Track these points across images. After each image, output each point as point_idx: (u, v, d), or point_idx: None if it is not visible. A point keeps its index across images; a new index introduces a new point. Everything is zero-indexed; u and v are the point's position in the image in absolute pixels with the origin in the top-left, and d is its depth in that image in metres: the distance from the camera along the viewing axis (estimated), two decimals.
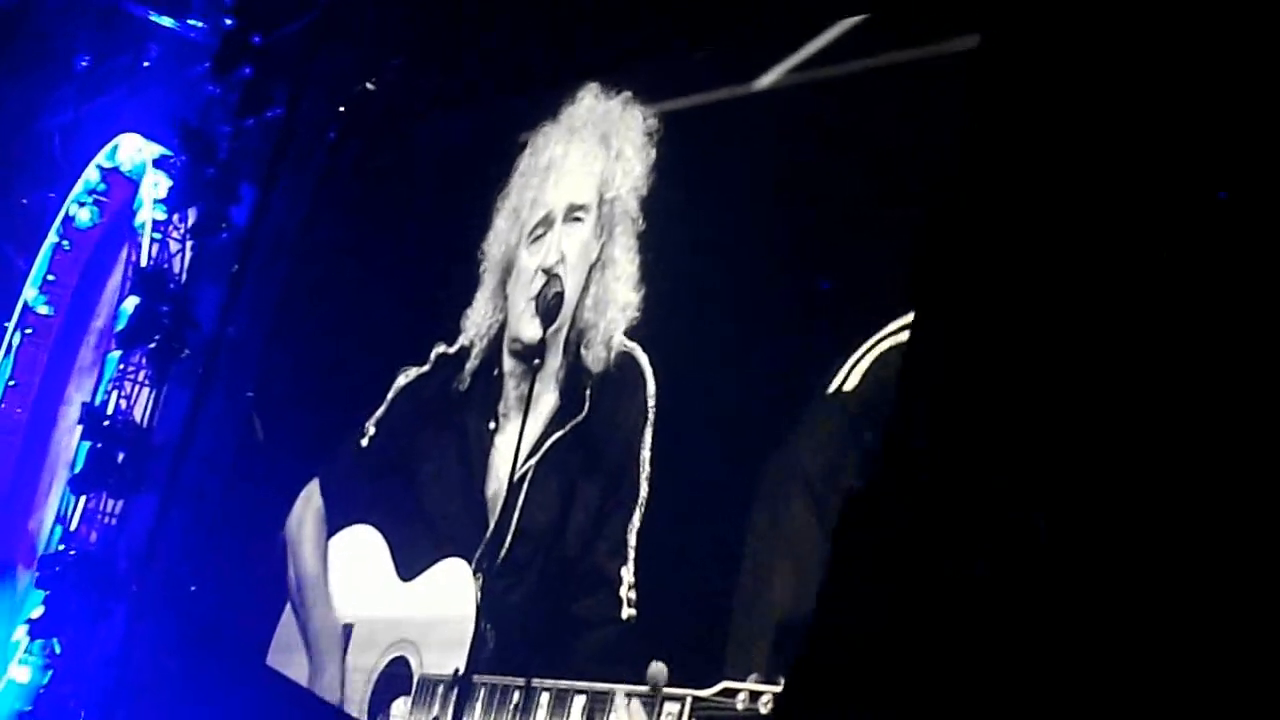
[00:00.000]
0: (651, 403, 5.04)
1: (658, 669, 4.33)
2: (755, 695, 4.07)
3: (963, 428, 2.79)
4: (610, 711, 4.54)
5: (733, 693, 4.14)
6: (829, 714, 2.89)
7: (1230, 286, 2.59)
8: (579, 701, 4.67)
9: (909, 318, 3.95)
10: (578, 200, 5.78)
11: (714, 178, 5.28)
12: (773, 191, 4.96)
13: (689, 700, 4.28)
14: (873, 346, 4.37)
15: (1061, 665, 2.55)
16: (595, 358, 5.35)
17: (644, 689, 4.38)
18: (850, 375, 4.40)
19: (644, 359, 5.18)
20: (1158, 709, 2.48)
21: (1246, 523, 2.47)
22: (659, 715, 4.32)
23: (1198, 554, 2.49)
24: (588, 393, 5.35)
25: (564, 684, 4.76)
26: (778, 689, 4.02)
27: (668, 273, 5.31)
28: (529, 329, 5.73)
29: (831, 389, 4.45)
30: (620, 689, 4.49)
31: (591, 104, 5.92)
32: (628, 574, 4.79)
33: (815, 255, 4.73)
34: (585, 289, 5.54)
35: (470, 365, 6.10)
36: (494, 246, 6.24)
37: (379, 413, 6.51)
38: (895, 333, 4.27)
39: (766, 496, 4.50)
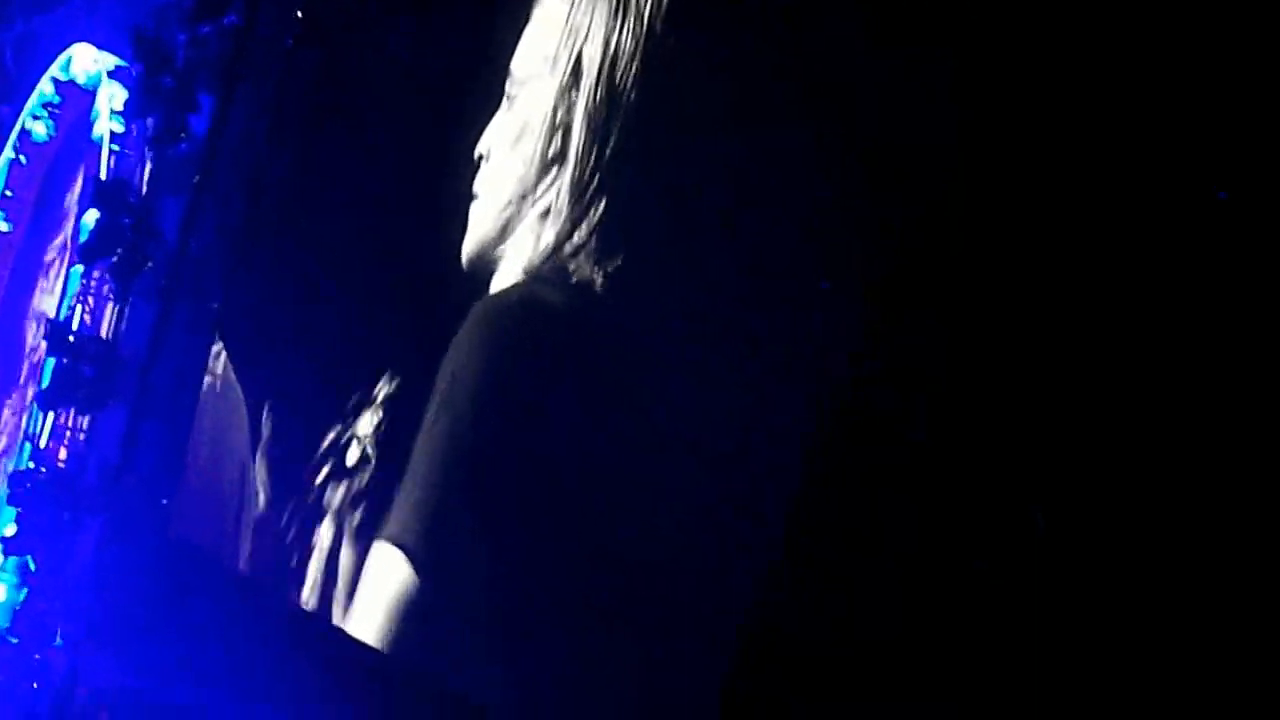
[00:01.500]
0: None
1: None
2: None
3: (961, 422, 2.84)
4: None
5: None
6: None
7: (1230, 286, 2.61)
8: None
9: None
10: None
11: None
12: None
13: None
14: None
15: (1059, 661, 2.60)
16: None
17: None
18: None
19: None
20: (1157, 706, 2.53)
21: (1246, 521, 2.50)
22: None
23: (1197, 552, 2.53)
24: None
25: None
26: None
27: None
28: None
29: None
30: None
31: None
32: None
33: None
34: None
35: None
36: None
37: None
38: None
39: None
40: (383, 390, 6.01)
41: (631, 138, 5.12)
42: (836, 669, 3.06)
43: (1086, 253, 2.76)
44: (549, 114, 5.20)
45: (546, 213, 5.08)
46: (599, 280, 4.75)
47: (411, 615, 4.92)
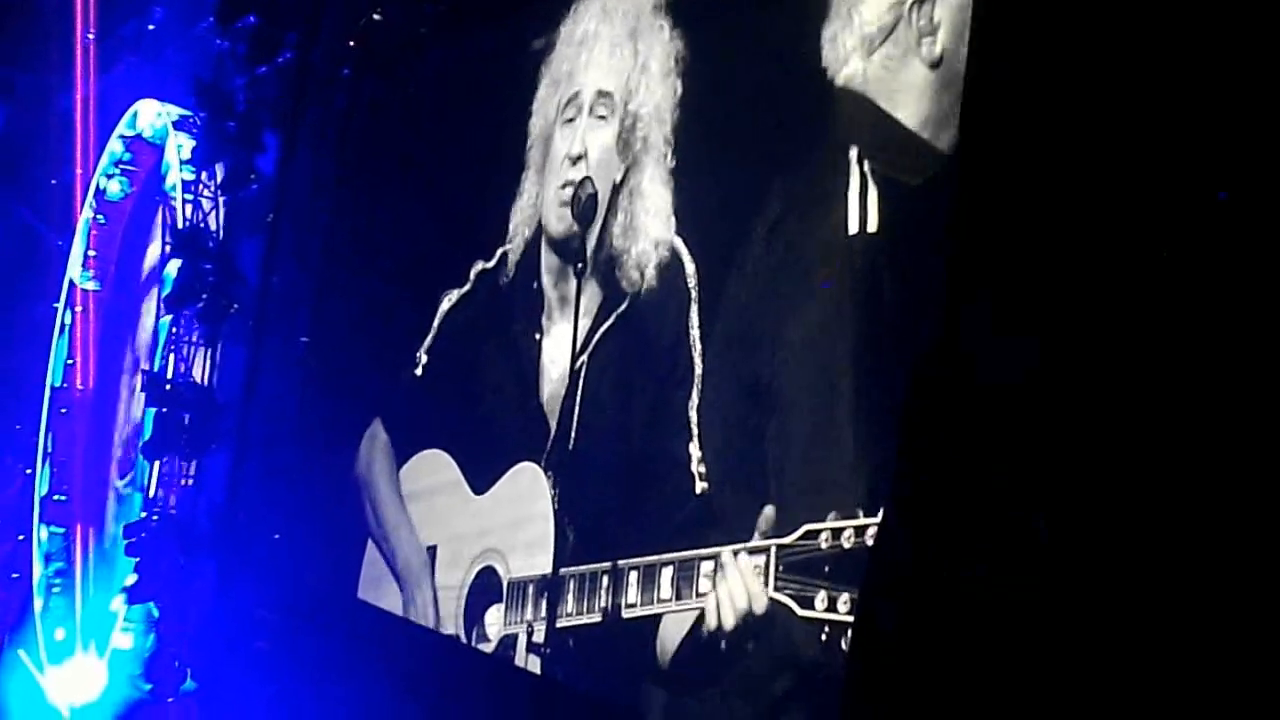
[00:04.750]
0: (693, 282, 5.18)
1: (769, 515, 4.54)
2: (836, 533, 4.27)
3: (965, 428, 2.81)
4: (698, 578, 4.75)
5: (815, 534, 4.34)
6: None
7: (1230, 286, 2.59)
8: (667, 573, 4.87)
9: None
10: (605, 87, 5.84)
11: (741, 48, 5.33)
12: (783, 66, 5.02)
13: (773, 549, 4.48)
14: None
15: (1063, 667, 2.59)
16: (635, 259, 5.48)
17: (749, 545, 4.58)
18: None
19: (680, 242, 5.30)
20: (1158, 711, 2.52)
21: (1247, 523, 2.48)
22: (760, 568, 4.51)
23: (1198, 555, 2.51)
24: (627, 284, 5.50)
25: (650, 559, 4.96)
26: (858, 522, 4.21)
27: (700, 165, 5.40)
28: (559, 222, 5.87)
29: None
30: (727, 549, 4.67)
31: None
32: (695, 450, 4.97)
33: None
34: (612, 210, 5.63)
35: (512, 261, 6.24)
36: (538, 118, 6.29)
37: (429, 340, 6.69)
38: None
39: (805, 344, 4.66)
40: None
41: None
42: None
43: (1086, 254, 2.76)
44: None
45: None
46: None
47: None
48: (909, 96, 4.54)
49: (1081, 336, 2.72)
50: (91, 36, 9.82)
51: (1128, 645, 2.55)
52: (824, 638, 4.29)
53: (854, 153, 4.67)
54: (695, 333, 5.08)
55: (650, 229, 5.43)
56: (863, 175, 4.60)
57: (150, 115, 9.30)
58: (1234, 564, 2.49)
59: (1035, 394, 2.74)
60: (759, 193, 5.03)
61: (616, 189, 5.64)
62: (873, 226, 4.57)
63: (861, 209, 4.59)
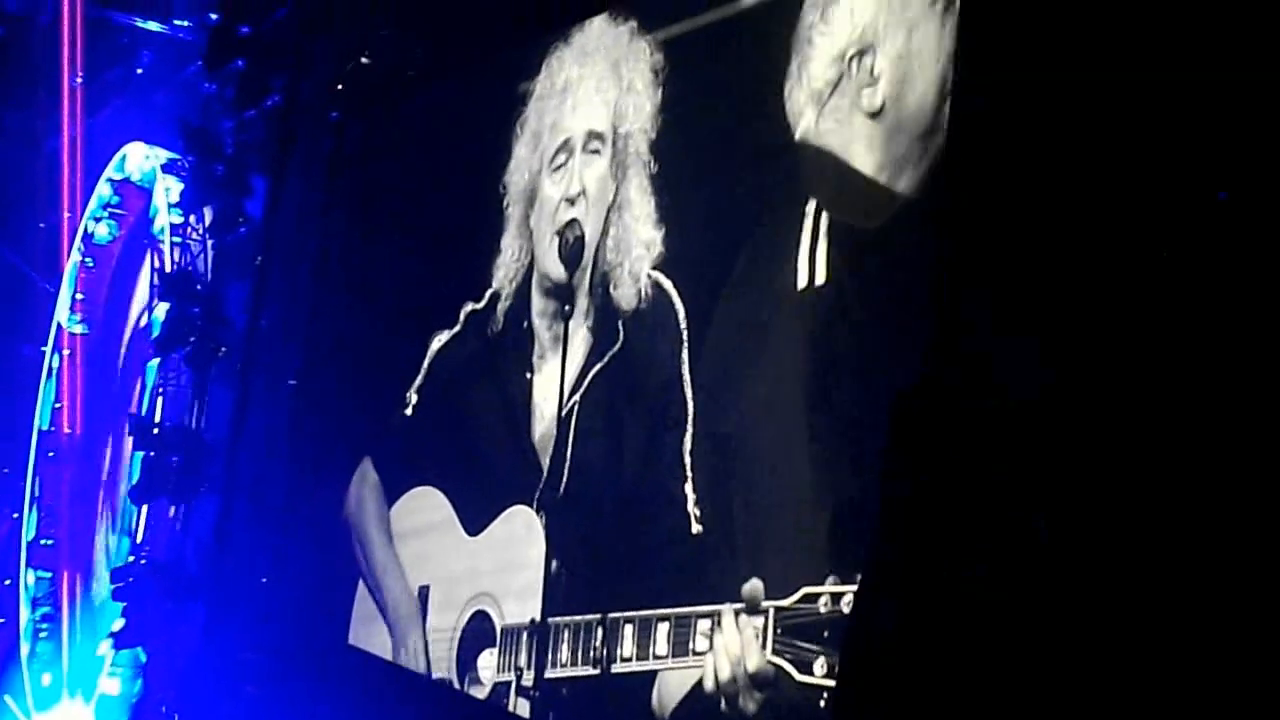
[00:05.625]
0: (684, 325, 5.22)
1: (755, 586, 4.54)
2: (836, 597, 4.26)
3: (962, 428, 2.81)
4: (694, 635, 4.75)
5: (813, 598, 4.32)
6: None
7: (1230, 287, 2.61)
8: (663, 628, 4.87)
9: None
10: (596, 128, 5.91)
11: (711, 104, 5.43)
12: (763, 107, 5.11)
13: (772, 612, 4.48)
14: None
15: (1060, 669, 2.59)
16: (624, 295, 5.52)
17: (742, 605, 4.59)
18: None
19: (669, 284, 5.35)
20: (1158, 712, 2.53)
21: (1248, 523, 2.49)
22: (759, 630, 4.52)
23: (1199, 556, 2.52)
24: (619, 324, 5.54)
25: (645, 613, 4.97)
26: (856, 586, 4.19)
27: (683, 207, 5.47)
28: (555, 267, 5.90)
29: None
30: (728, 608, 4.68)
31: (602, 28, 6.04)
32: (690, 491, 4.98)
33: None
34: (605, 231, 5.70)
35: (502, 308, 6.28)
36: (516, 175, 6.36)
37: (418, 380, 6.72)
38: None
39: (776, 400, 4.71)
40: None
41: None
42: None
43: (1086, 255, 2.77)
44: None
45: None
46: None
47: None
48: (860, 146, 4.64)
49: (1081, 337, 2.73)
50: (80, 80, 9.86)
51: (1127, 649, 2.55)
52: (823, 704, 4.28)
53: (811, 205, 4.75)
54: (687, 373, 5.12)
55: (640, 233, 5.49)
56: (815, 228, 4.68)
57: (139, 158, 9.34)
58: (1234, 564, 2.49)
59: (1036, 402, 2.74)
60: (738, 224, 5.12)
61: (609, 209, 5.71)
62: (820, 279, 4.63)
63: (810, 263, 4.66)
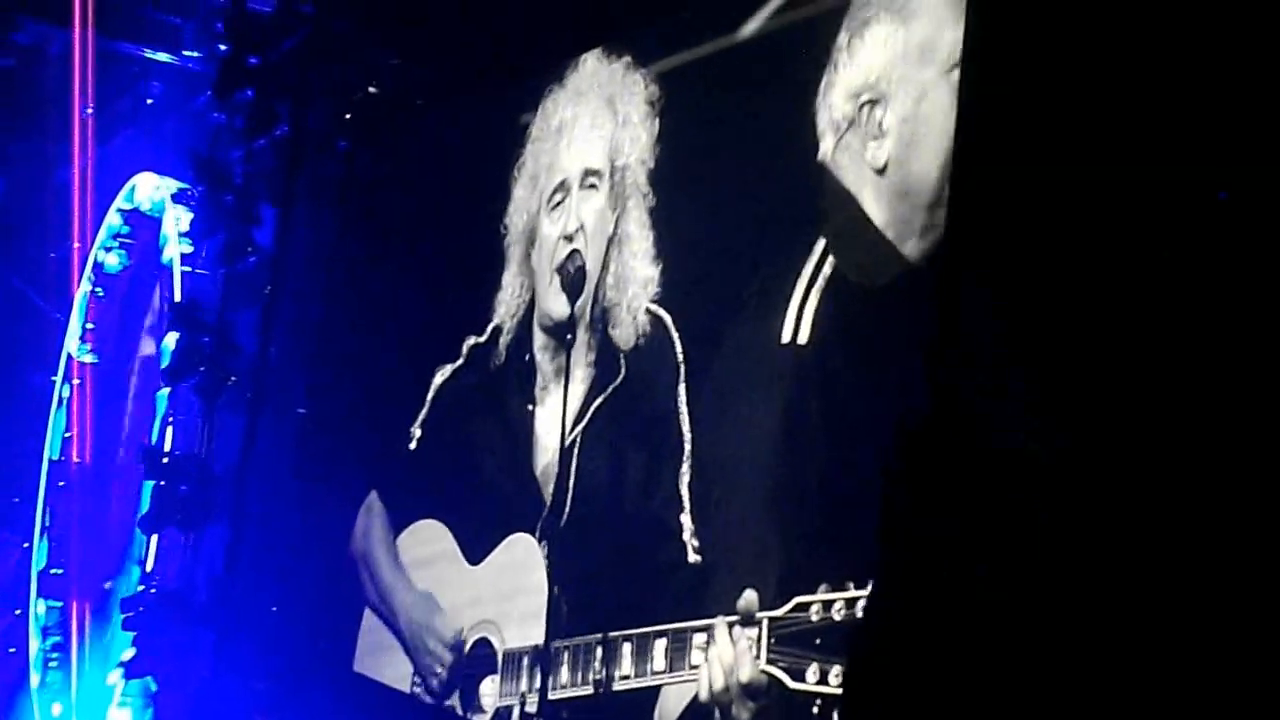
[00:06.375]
0: (681, 359, 5.35)
1: (749, 598, 4.68)
2: (828, 604, 4.41)
3: (961, 430, 2.82)
4: (690, 649, 4.88)
5: (805, 606, 4.47)
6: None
7: (1230, 287, 2.60)
8: (660, 644, 5.00)
9: None
10: (592, 165, 6.05)
11: (711, 137, 5.55)
12: (765, 141, 5.23)
13: (765, 622, 4.62)
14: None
15: (1058, 667, 2.59)
16: (623, 335, 5.66)
17: (736, 618, 4.73)
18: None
19: (668, 318, 5.49)
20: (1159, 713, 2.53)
21: (1248, 524, 2.49)
22: (753, 641, 4.65)
23: (1199, 557, 2.53)
24: (621, 359, 5.67)
25: (643, 630, 5.10)
26: (847, 594, 4.33)
27: (681, 242, 5.60)
28: (557, 304, 6.03)
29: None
30: (721, 621, 4.82)
31: (595, 67, 6.19)
32: (687, 521, 5.12)
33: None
34: (605, 266, 5.83)
35: (504, 342, 6.42)
36: (515, 217, 6.54)
37: (422, 414, 6.85)
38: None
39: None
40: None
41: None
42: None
43: (1086, 256, 2.79)
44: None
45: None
46: None
47: None
48: (869, 194, 4.70)
49: (1080, 337, 2.74)
50: (90, 111, 10.00)
51: (1126, 650, 2.55)
52: (816, 710, 4.42)
53: (820, 246, 4.85)
54: (684, 406, 5.26)
55: (639, 271, 5.61)
56: (814, 276, 4.77)
57: (149, 189, 9.45)
58: (1235, 565, 2.50)
59: (1033, 408, 2.75)
60: (737, 262, 5.24)
61: (609, 243, 5.83)
62: (805, 337, 4.79)
63: (798, 318, 4.76)
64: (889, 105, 4.65)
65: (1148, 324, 2.71)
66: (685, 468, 5.18)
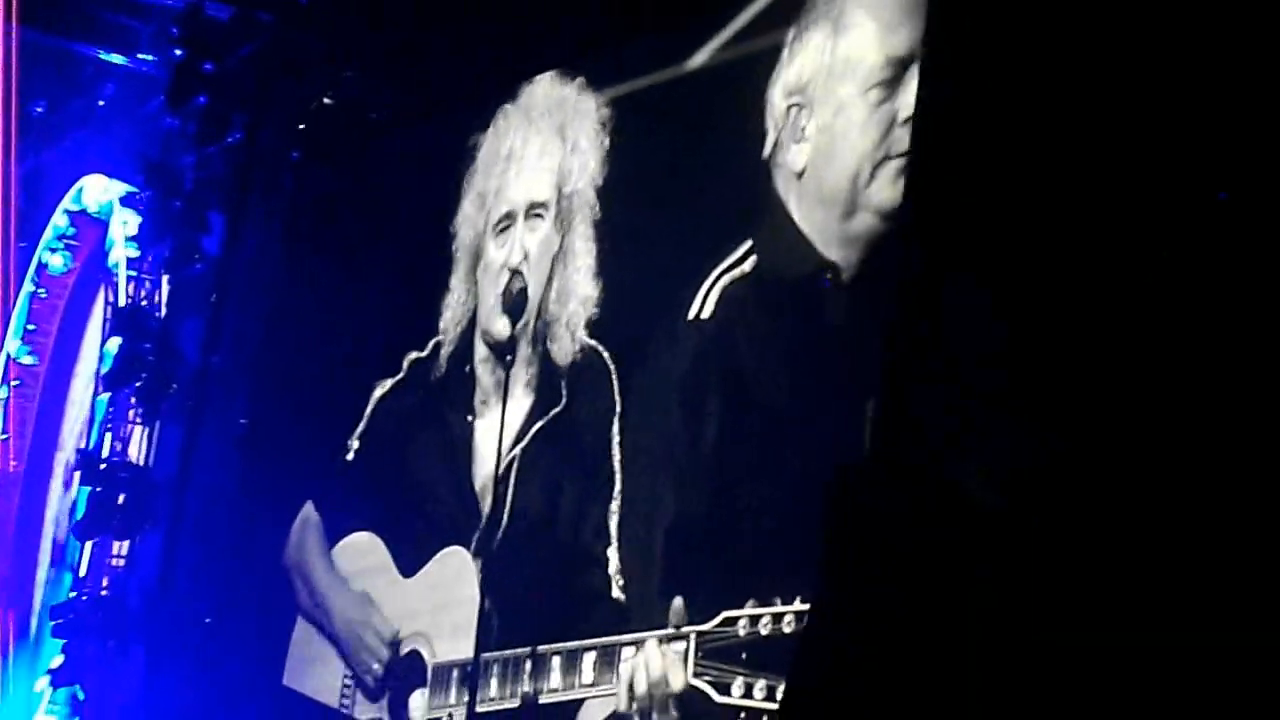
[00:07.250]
0: (617, 395, 5.50)
1: (677, 606, 4.81)
2: (755, 620, 4.54)
3: (958, 431, 2.90)
4: (619, 663, 5.00)
5: (733, 621, 4.60)
6: None
7: (1230, 287, 2.67)
8: (589, 658, 5.12)
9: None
10: (538, 198, 6.18)
11: (658, 158, 5.71)
12: (707, 160, 5.38)
13: (693, 636, 4.74)
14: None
15: (1056, 665, 2.63)
16: (561, 351, 5.79)
17: (669, 632, 4.85)
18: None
19: (606, 355, 5.64)
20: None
21: (1248, 524, 2.55)
22: (680, 654, 4.78)
23: (1198, 558, 2.57)
24: (562, 384, 5.81)
25: (572, 645, 5.23)
26: (775, 609, 4.47)
27: (622, 261, 5.75)
28: (498, 325, 6.15)
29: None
30: (650, 634, 4.95)
31: (548, 88, 6.31)
32: (614, 556, 5.26)
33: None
34: (549, 282, 5.96)
35: (445, 354, 6.54)
36: (464, 229, 6.67)
37: (360, 426, 6.94)
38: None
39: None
40: None
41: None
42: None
43: (1086, 256, 2.85)
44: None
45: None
46: None
47: None
48: (792, 197, 4.90)
49: (1080, 337, 2.81)
50: (40, 110, 10.00)
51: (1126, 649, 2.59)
52: None
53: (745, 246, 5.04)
54: (616, 444, 5.40)
55: (579, 287, 5.74)
56: (729, 267, 4.93)
57: (97, 191, 9.47)
58: (1236, 565, 2.56)
59: (1036, 403, 2.83)
60: (671, 274, 5.39)
61: (554, 259, 5.96)
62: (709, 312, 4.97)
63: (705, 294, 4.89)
64: (813, 112, 4.86)
65: (1122, 324, 2.79)
66: (614, 504, 5.33)
